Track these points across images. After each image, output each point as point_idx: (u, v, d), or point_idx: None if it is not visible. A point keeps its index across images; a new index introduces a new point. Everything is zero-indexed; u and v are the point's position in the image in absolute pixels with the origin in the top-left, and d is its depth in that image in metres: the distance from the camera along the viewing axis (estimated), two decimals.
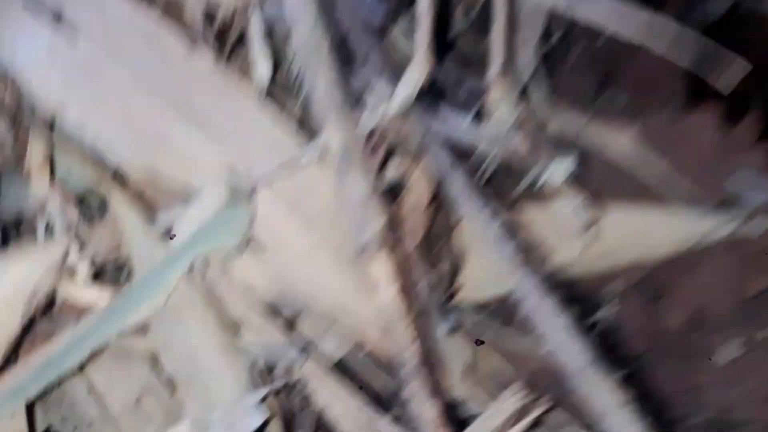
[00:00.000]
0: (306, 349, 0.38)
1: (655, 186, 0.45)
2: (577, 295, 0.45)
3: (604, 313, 0.44)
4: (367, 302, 0.36)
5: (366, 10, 0.42)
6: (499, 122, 0.40)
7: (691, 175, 0.45)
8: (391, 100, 0.37)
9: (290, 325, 0.40)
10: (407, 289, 0.36)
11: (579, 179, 0.46)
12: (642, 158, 0.45)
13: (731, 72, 0.37)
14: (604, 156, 0.46)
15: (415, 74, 0.37)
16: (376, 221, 0.35)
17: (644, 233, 0.43)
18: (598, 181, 0.46)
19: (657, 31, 0.39)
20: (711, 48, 0.38)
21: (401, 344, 0.35)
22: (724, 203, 0.45)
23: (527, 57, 0.46)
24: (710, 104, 0.47)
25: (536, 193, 0.44)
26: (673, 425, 0.43)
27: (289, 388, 0.39)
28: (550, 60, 0.53)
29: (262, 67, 0.40)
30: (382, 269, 0.35)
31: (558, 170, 0.39)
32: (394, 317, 0.35)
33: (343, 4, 0.41)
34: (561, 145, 0.48)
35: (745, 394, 0.43)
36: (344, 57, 0.39)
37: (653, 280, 0.45)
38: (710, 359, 0.43)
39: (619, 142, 0.46)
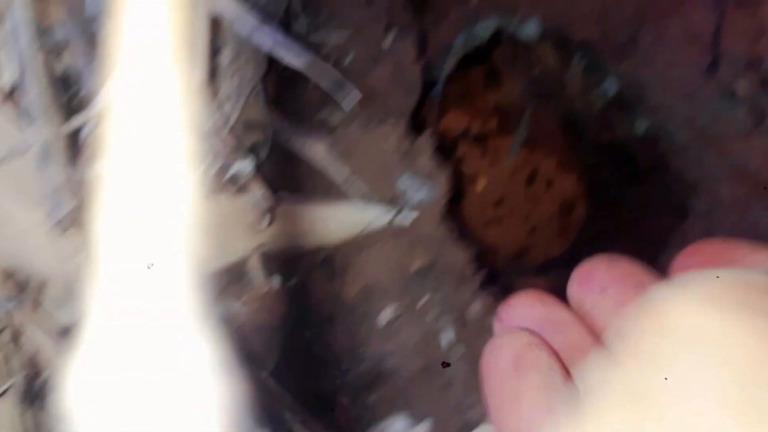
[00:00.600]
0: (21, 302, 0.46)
1: (341, 185, 0.56)
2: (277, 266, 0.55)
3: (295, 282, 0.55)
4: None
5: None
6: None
7: (368, 177, 0.56)
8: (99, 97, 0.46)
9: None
10: None
11: (273, 175, 0.57)
12: (331, 162, 0.56)
13: (349, 98, 0.48)
14: (302, 158, 0.57)
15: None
16: (68, 203, 0.43)
17: (328, 221, 0.54)
18: (293, 178, 0.57)
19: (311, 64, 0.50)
20: (339, 78, 0.50)
21: None
22: (392, 200, 0.57)
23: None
24: (393, 122, 0.60)
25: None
26: (341, 375, 0.54)
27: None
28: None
29: None
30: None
31: (244, 166, 0.49)
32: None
33: None
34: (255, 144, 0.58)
35: (397, 348, 0.54)
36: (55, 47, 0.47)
37: (333, 260, 0.55)
38: (374, 322, 0.54)
39: (315, 148, 0.57)
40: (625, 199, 1.16)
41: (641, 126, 1.04)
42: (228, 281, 0.55)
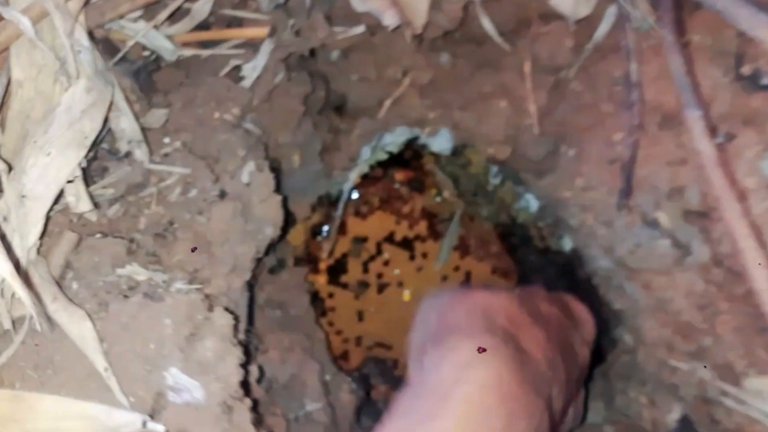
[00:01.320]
0: None
1: (102, 376, 0.49)
2: None
3: None
4: None
5: None
6: None
7: (130, 368, 0.49)
8: None
9: None
10: None
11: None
12: (90, 346, 0.49)
13: None
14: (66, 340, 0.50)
15: None
16: None
17: (68, 424, 0.47)
18: (52, 365, 0.50)
19: None
20: None
21: None
22: (156, 399, 0.49)
23: None
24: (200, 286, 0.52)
25: None
26: None
27: None
28: None
29: None
30: None
31: None
32: None
33: None
34: None
35: None
36: None
37: None
38: None
39: (80, 330, 0.50)
40: None
41: (567, 244, 0.95)
42: None
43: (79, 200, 0.56)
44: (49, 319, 0.52)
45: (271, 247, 0.70)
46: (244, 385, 0.52)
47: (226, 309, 0.53)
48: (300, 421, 0.70)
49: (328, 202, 1.00)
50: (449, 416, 0.48)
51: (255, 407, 0.53)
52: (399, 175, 1.12)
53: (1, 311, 0.51)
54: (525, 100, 0.85)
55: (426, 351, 0.57)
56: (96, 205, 0.61)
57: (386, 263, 1.12)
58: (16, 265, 0.52)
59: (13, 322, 0.52)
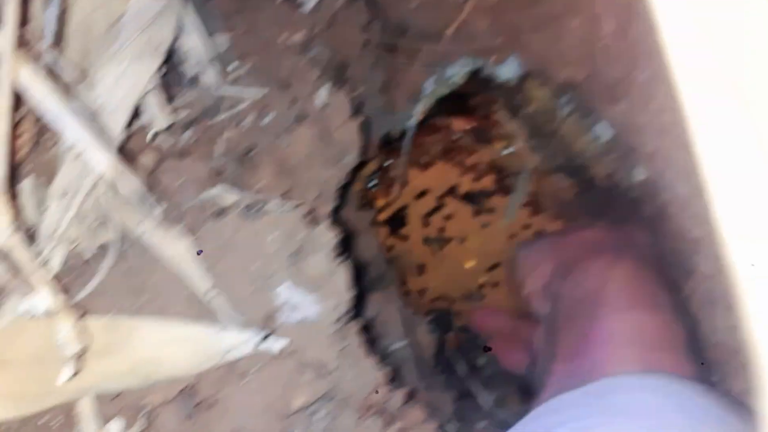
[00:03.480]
0: None
1: (203, 298, 0.44)
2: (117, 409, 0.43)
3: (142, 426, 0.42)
4: None
5: None
6: None
7: (237, 287, 0.44)
8: None
9: None
10: None
11: (117, 290, 0.45)
12: (191, 267, 0.44)
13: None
14: (159, 263, 0.45)
15: None
16: None
17: (174, 348, 0.42)
18: (146, 289, 0.45)
19: None
20: None
21: None
22: (267, 318, 0.44)
23: None
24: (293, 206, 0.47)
25: None
26: None
27: None
28: None
29: None
30: None
31: (41, 300, 0.37)
32: None
33: None
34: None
35: None
36: None
37: (195, 394, 0.43)
38: None
39: (173, 247, 0.45)
40: None
41: (640, 173, 0.90)
42: (59, 428, 0.43)
43: (156, 116, 0.51)
44: (138, 243, 0.47)
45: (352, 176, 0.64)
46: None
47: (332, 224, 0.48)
48: (388, 359, 0.65)
49: (386, 145, 0.95)
50: (615, 304, 0.51)
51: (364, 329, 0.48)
52: (459, 124, 1.05)
53: (82, 238, 0.46)
54: (599, 18, 0.80)
55: (551, 287, 0.61)
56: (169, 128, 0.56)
57: (448, 218, 1.05)
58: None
59: (98, 249, 0.47)
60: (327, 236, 0.46)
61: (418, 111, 0.85)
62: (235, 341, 0.41)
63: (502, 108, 1.01)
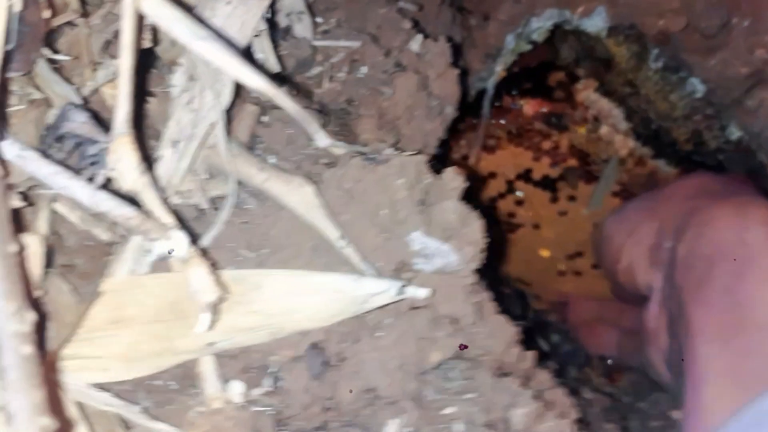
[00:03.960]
0: None
1: (330, 248, 0.42)
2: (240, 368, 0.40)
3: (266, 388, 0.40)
4: None
5: None
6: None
7: (367, 235, 0.41)
8: None
9: None
10: None
11: (236, 238, 0.43)
12: (317, 215, 0.41)
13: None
14: (280, 214, 0.43)
15: None
16: None
17: (306, 300, 0.39)
18: (264, 239, 0.42)
19: None
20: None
21: None
22: (400, 268, 0.41)
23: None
24: (409, 156, 0.44)
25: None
26: None
27: None
28: None
29: None
30: None
31: (175, 243, 0.35)
32: None
33: None
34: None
35: None
36: None
37: (322, 351, 0.41)
38: None
39: (297, 195, 0.42)
40: None
41: (734, 132, 0.85)
42: (177, 390, 0.40)
43: (266, 60, 0.48)
44: (255, 193, 0.44)
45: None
46: None
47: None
48: None
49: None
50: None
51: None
52: (533, 106, 0.99)
53: (195, 188, 0.44)
54: None
55: (659, 252, 0.54)
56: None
57: (519, 203, 0.99)
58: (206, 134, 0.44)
59: (212, 201, 0.44)
60: (455, 182, 0.43)
61: (498, 69, 0.81)
62: (373, 290, 0.38)
63: (588, 87, 0.96)
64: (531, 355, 0.45)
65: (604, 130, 0.95)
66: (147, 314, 0.40)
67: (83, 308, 0.38)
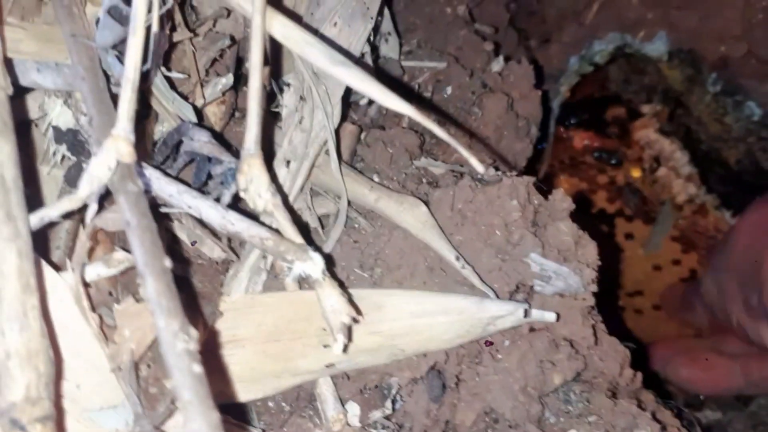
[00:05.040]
0: None
1: (445, 267, 0.41)
2: (357, 390, 0.40)
3: (384, 412, 0.39)
4: None
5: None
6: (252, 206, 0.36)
7: (483, 256, 0.41)
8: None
9: None
10: None
11: (348, 259, 0.42)
12: (432, 236, 0.41)
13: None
14: (390, 232, 0.42)
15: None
16: None
17: (429, 321, 0.39)
18: (378, 261, 0.42)
19: None
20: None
21: None
22: (518, 289, 0.41)
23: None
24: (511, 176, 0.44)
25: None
26: None
27: None
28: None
29: None
30: None
31: (312, 264, 0.34)
32: None
33: None
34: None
35: None
36: None
37: (441, 375, 0.40)
38: None
39: (410, 215, 0.42)
40: None
41: None
42: (290, 411, 0.40)
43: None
44: (366, 213, 0.44)
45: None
46: None
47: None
48: None
49: None
50: None
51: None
52: (581, 138, 0.96)
53: (305, 207, 0.44)
54: None
55: None
56: (353, 104, 0.53)
57: None
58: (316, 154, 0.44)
59: (319, 220, 0.44)
60: (565, 203, 0.43)
61: (563, 89, 0.81)
62: (497, 312, 0.38)
63: (648, 126, 0.93)
64: (640, 376, 0.44)
65: (662, 172, 0.93)
66: (263, 334, 0.39)
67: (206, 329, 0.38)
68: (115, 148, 0.30)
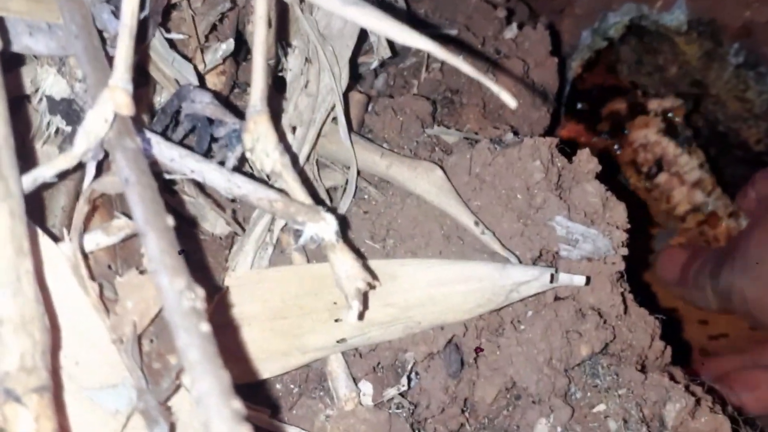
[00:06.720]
0: None
1: (463, 235, 0.39)
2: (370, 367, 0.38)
3: (399, 390, 0.37)
4: None
5: None
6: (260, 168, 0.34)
7: (504, 221, 0.39)
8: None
9: None
10: None
11: (361, 229, 0.40)
12: (449, 201, 0.39)
13: None
14: (404, 199, 0.40)
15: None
16: None
17: (446, 290, 0.36)
18: (392, 229, 0.40)
19: None
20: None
21: None
22: (541, 255, 0.39)
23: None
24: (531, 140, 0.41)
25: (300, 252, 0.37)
26: None
27: None
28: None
29: None
30: None
31: (325, 224, 0.32)
32: None
33: None
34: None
35: None
36: None
37: (460, 347, 0.38)
38: None
39: (424, 181, 0.39)
40: None
41: None
42: (299, 393, 0.38)
43: (379, 44, 0.45)
44: (377, 182, 0.42)
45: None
46: None
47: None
48: None
49: None
50: None
51: None
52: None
53: (313, 176, 0.41)
54: None
55: None
56: (358, 76, 0.51)
57: None
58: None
59: (327, 192, 0.42)
60: (591, 163, 0.41)
61: (575, 65, 0.79)
62: (521, 278, 0.35)
63: (650, 125, 0.87)
64: (669, 350, 0.42)
65: (662, 178, 0.84)
66: (270, 310, 0.37)
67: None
68: (112, 99, 0.28)
